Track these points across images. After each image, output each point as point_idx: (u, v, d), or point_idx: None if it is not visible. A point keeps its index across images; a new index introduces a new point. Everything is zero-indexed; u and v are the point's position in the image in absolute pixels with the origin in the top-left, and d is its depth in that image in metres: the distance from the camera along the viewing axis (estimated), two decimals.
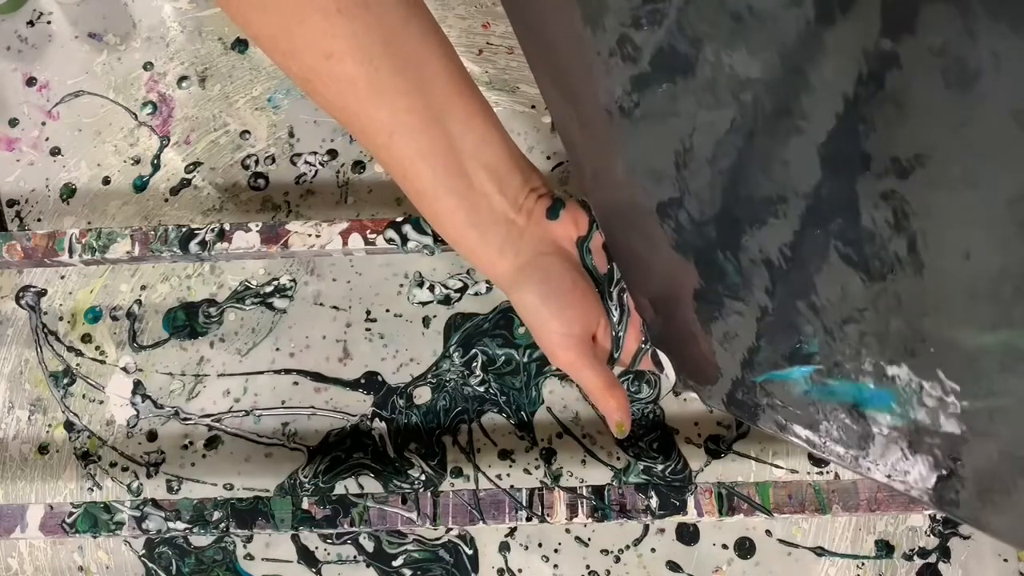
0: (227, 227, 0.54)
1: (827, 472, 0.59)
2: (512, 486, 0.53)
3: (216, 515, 0.51)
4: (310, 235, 0.53)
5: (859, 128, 0.24)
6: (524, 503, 0.51)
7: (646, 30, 0.27)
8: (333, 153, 0.67)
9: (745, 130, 0.28)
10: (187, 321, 0.64)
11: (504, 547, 0.59)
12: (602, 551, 0.58)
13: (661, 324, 0.44)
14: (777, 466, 0.59)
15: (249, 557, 0.59)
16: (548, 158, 0.65)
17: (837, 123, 0.25)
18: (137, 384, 0.63)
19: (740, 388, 0.41)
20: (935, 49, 0.20)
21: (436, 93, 0.39)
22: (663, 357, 0.46)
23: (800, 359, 0.35)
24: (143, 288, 0.65)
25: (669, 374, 0.46)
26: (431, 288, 0.63)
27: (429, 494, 0.51)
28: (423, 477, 0.60)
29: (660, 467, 0.59)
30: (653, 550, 0.58)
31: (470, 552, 0.58)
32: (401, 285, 0.64)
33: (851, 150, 0.25)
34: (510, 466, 0.60)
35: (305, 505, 0.51)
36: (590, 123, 0.35)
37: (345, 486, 0.60)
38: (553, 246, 0.43)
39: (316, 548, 0.59)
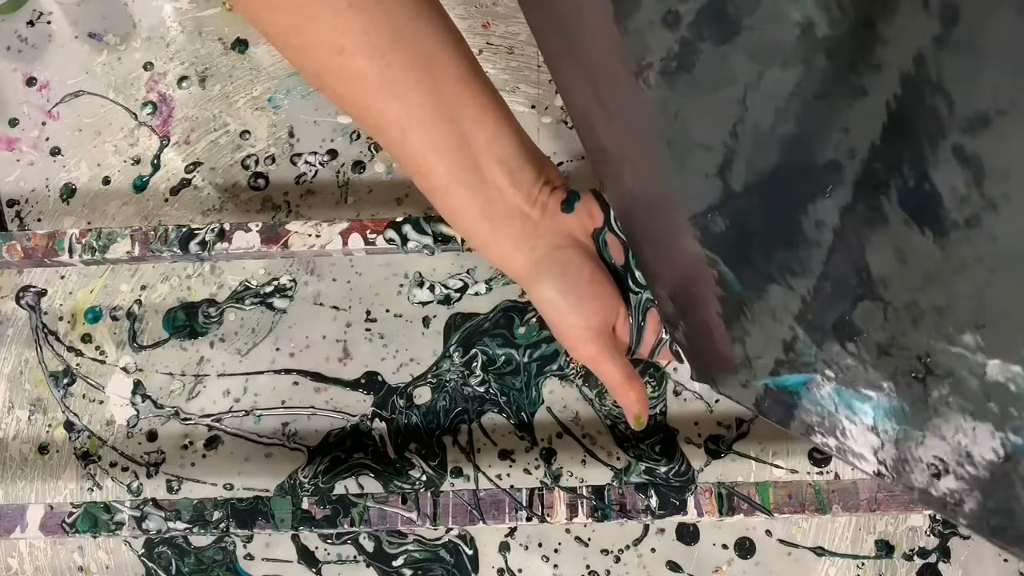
0: (227, 227, 0.54)
1: (827, 472, 0.59)
2: (512, 486, 0.53)
3: (216, 515, 0.51)
4: (310, 235, 0.53)
5: (929, 84, 0.23)
6: (524, 503, 0.51)
7: None
8: (333, 153, 0.67)
9: (808, 93, 0.26)
10: (187, 321, 0.64)
11: (504, 547, 0.59)
12: (602, 551, 0.58)
13: (680, 317, 0.44)
14: (777, 466, 0.59)
15: (249, 557, 0.59)
16: (552, 162, 0.65)
17: (905, 82, 0.24)
18: (137, 384, 0.63)
19: (769, 394, 0.40)
20: None
21: (448, 87, 0.39)
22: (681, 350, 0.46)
23: (842, 343, 0.33)
24: (143, 288, 0.65)
25: (687, 366, 0.46)
26: (431, 288, 0.63)
27: (429, 494, 0.51)
28: (424, 478, 0.60)
29: (663, 469, 0.59)
30: (653, 550, 0.58)
31: (470, 552, 0.58)
32: (401, 285, 0.64)
33: (919, 108, 0.24)
34: (510, 466, 0.60)
35: (305, 505, 0.51)
36: (620, 105, 0.34)
37: (345, 486, 0.60)
38: (569, 239, 0.43)
39: (316, 548, 0.59)
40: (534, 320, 0.62)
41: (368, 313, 0.63)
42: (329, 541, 0.59)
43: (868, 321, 0.32)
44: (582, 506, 0.50)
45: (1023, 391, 0.28)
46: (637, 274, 0.45)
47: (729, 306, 0.38)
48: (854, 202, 0.28)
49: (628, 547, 0.58)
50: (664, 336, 0.46)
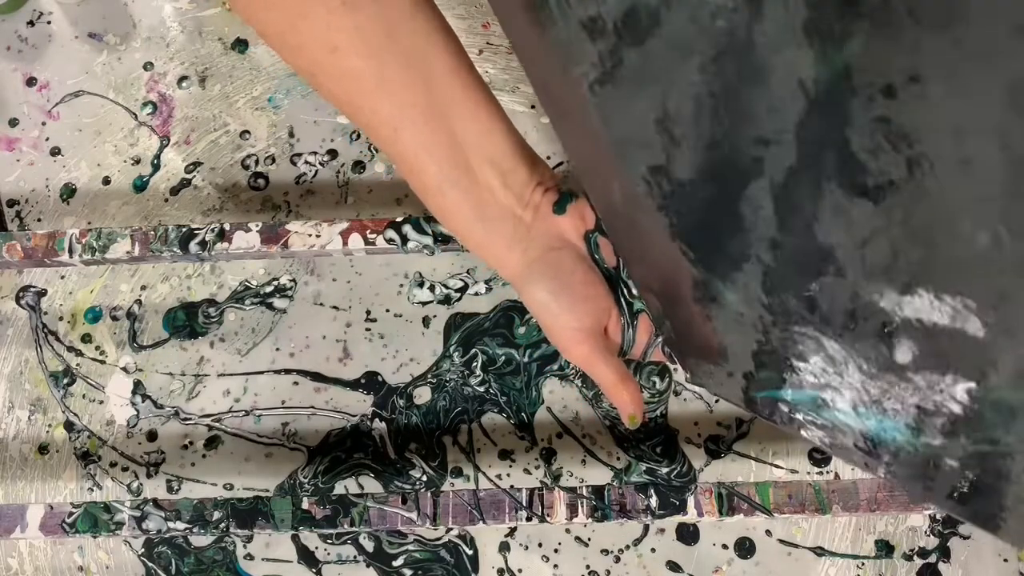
0: (227, 227, 0.54)
1: (827, 472, 0.59)
2: (512, 486, 0.53)
3: (216, 515, 0.51)
4: (310, 235, 0.53)
5: (836, 56, 0.24)
6: (524, 503, 0.51)
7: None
8: (333, 153, 0.67)
9: (722, 77, 0.27)
10: (187, 321, 0.64)
11: (504, 547, 0.59)
12: (602, 551, 0.58)
13: (665, 316, 0.44)
14: (777, 466, 0.59)
15: (249, 557, 0.59)
16: (548, 158, 0.65)
17: (813, 54, 0.24)
18: (137, 384, 0.63)
19: (752, 385, 0.40)
20: None
21: (441, 87, 0.39)
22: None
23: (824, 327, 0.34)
24: (143, 288, 0.65)
25: (679, 367, 0.46)
26: (431, 288, 0.63)
27: (429, 494, 0.51)
28: (424, 478, 0.60)
29: (665, 470, 0.59)
30: (653, 550, 0.58)
31: (470, 552, 0.58)
32: (401, 285, 0.64)
33: (833, 80, 0.25)
34: (510, 466, 0.60)
35: (305, 505, 0.51)
36: (572, 115, 0.35)
37: (345, 486, 0.60)
38: (561, 240, 0.43)
39: (316, 548, 0.59)
40: (534, 320, 0.62)
41: (368, 313, 0.63)
42: (329, 541, 0.59)
43: (832, 292, 0.33)
44: (582, 506, 0.50)
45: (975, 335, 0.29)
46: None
47: (705, 299, 0.38)
48: (791, 180, 0.29)
49: (628, 547, 0.58)
50: (656, 338, 0.46)
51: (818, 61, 0.25)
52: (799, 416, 0.40)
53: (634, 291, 0.45)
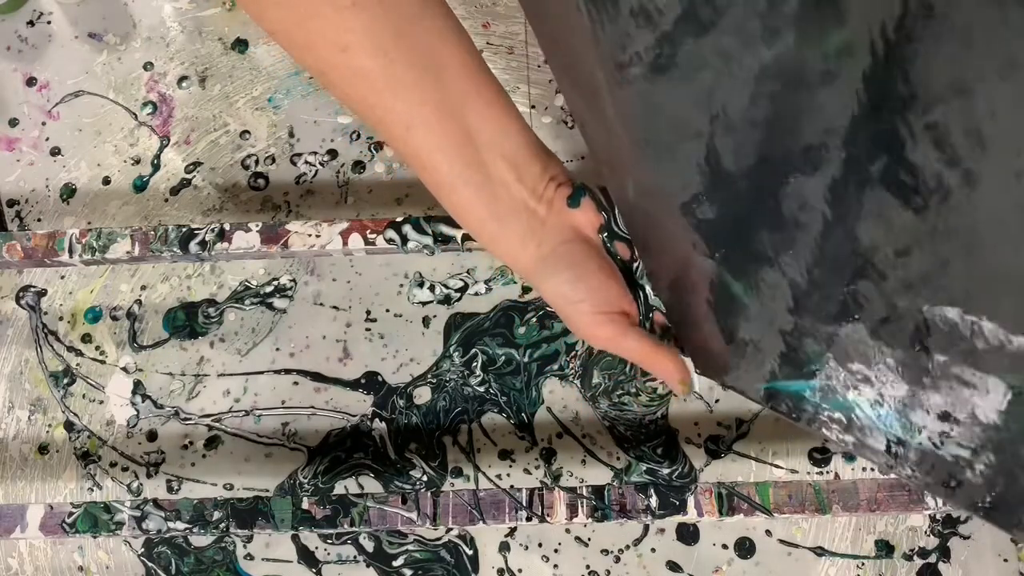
0: (227, 227, 0.54)
1: (827, 472, 0.59)
2: (512, 486, 0.53)
3: (216, 515, 0.51)
4: (310, 235, 0.53)
5: (898, 63, 0.23)
6: (524, 503, 0.51)
7: None
8: (333, 153, 0.67)
9: (780, 76, 0.27)
10: (187, 321, 0.64)
11: (504, 547, 0.59)
12: (602, 551, 0.58)
13: (679, 312, 0.44)
14: (777, 466, 0.59)
15: (249, 557, 0.59)
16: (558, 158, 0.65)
17: (874, 60, 0.24)
18: (137, 384, 0.63)
19: (775, 382, 0.40)
20: None
21: (452, 84, 0.39)
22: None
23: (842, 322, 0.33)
24: (143, 288, 0.65)
25: (688, 363, 0.46)
26: (431, 288, 0.63)
27: (429, 494, 0.51)
28: (424, 478, 0.60)
29: (666, 471, 0.59)
30: (653, 550, 0.58)
31: (470, 552, 0.58)
32: (401, 285, 0.64)
33: (890, 85, 0.24)
34: (510, 466, 0.60)
35: (305, 505, 0.51)
36: (597, 106, 0.35)
37: (345, 486, 0.60)
38: (575, 233, 0.43)
39: (316, 548, 0.59)
40: (534, 320, 0.62)
41: (368, 313, 0.63)
42: (329, 541, 0.59)
43: (867, 295, 0.32)
44: (582, 506, 0.50)
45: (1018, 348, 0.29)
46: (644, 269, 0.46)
47: (721, 296, 0.38)
48: (839, 182, 0.29)
49: (628, 547, 0.58)
50: (671, 331, 0.46)
51: (874, 67, 0.24)
52: (823, 415, 0.40)
53: (648, 286, 0.45)
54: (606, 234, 0.44)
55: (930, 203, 0.27)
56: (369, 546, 0.59)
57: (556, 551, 0.58)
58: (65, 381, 0.63)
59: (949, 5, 0.21)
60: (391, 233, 0.53)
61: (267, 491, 0.60)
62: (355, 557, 0.59)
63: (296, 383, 0.62)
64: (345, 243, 0.53)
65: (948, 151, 0.25)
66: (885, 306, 0.32)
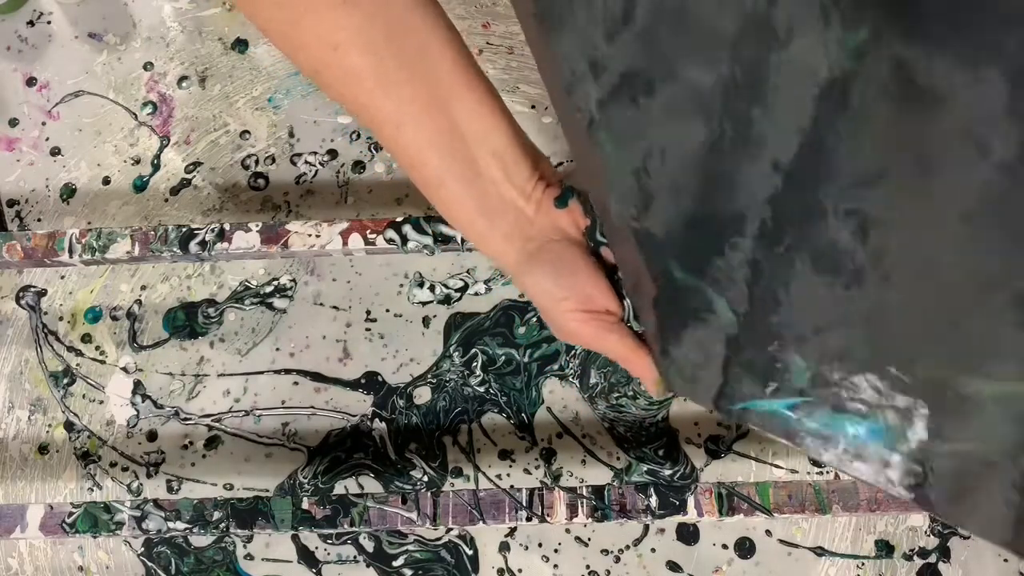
0: (227, 227, 0.54)
1: (827, 472, 0.59)
2: (512, 486, 0.53)
3: (216, 515, 0.51)
4: (310, 235, 0.53)
5: (822, 145, 0.25)
6: (524, 503, 0.51)
7: (615, 45, 0.28)
8: (333, 153, 0.67)
9: (707, 147, 0.28)
10: (187, 321, 0.64)
11: (504, 547, 0.58)
12: (602, 551, 0.58)
13: (641, 316, 0.44)
14: (777, 466, 0.59)
15: (249, 557, 0.59)
16: (547, 158, 0.65)
17: (801, 139, 0.25)
18: (137, 384, 0.63)
19: (722, 399, 0.41)
20: (893, 68, 0.21)
21: (442, 82, 0.39)
22: None
23: (777, 386, 0.35)
24: (143, 288, 0.65)
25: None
26: (431, 288, 0.63)
27: (429, 494, 0.51)
28: (424, 478, 0.60)
29: (668, 472, 0.59)
30: (653, 550, 0.58)
31: (470, 552, 0.58)
32: (401, 285, 0.64)
33: (814, 165, 0.26)
34: (510, 466, 0.60)
35: (305, 505, 0.51)
36: (570, 128, 0.36)
37: (345, 486, 0.60)
38: (562, 233, 0.44)
39: (316, 548, 0.59)
40: (534, 320, 0.62)
41: (368, 313, 0.63)
42: (329, 541, 0.59)
43: (787, 357, 0.34)
44: (582, 506, 0.50)
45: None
46: None
47: (663, 312, 0.39)
48: (760, 250, 0.30)
49: (628, 547, 0.58)
50: None
51: (793, 139, 0.26)
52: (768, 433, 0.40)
53: None
54: (591, 240, 0.44)
55: (847, 282, 0.28)
56: (369, 546, 0.59)
57: (556, 551, 0.58)
58: (65, 381, 0.63)
59: (860, 99, 0.23)
60: (391, 233, 0.53)
61: (267, 491, 0.60)
62: (355, 557, 0.59)
63: (296, 383, 0.62)
64: (345, 243, 0.53)
65: (864, 232, 0.27)
66: (811, 371, 0.34)
